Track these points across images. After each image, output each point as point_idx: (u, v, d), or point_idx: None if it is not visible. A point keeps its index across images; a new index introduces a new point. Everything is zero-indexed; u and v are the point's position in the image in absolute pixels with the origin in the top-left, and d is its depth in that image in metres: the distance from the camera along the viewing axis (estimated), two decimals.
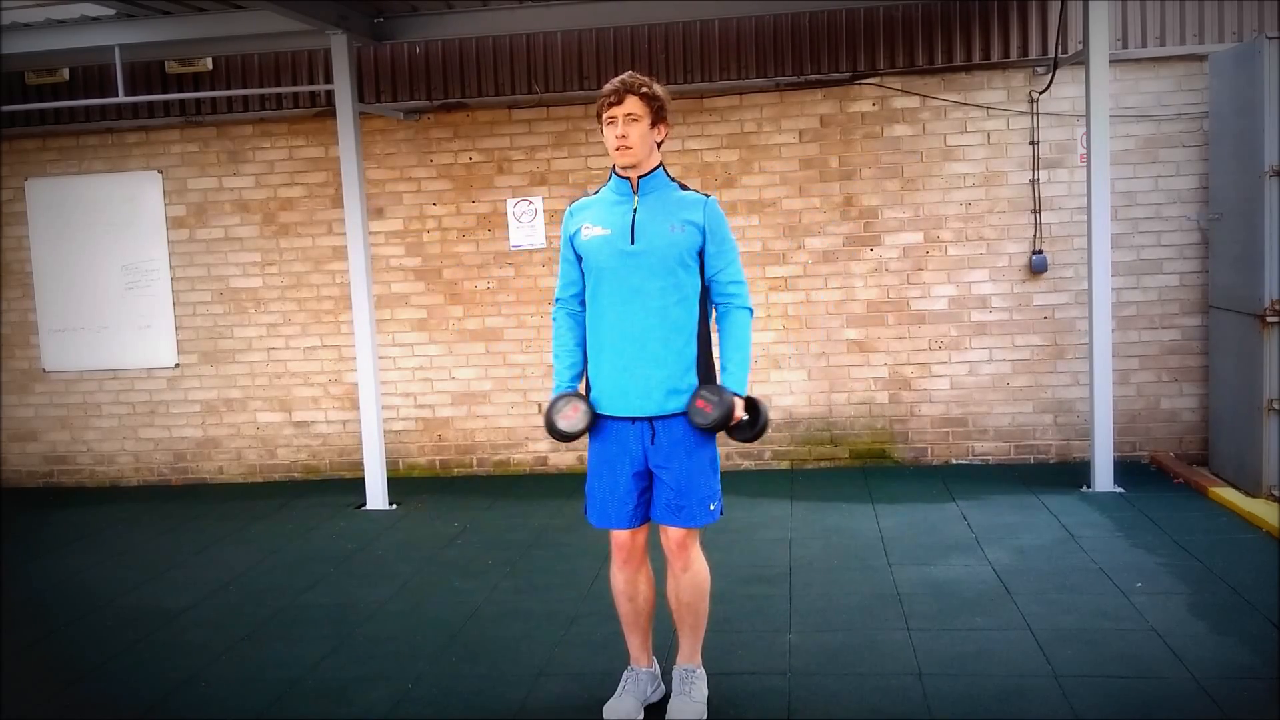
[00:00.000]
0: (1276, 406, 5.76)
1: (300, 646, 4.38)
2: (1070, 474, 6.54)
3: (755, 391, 7.09)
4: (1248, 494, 5.85)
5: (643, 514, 3.44)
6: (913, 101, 6.90)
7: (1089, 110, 5.99)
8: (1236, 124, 6.00)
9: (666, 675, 3.67)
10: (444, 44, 7.10)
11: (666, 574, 3.51)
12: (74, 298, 7.71)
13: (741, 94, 7.03)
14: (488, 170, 7.29)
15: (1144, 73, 6.70)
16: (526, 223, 7.25)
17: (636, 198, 3.38)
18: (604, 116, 3.33)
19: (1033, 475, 6.62)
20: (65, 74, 7.41)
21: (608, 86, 3.33)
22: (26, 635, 4.67)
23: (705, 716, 3.51)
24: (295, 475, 7.67)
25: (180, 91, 7.35)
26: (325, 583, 5.23)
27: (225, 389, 7.66)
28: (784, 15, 6.82)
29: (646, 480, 3.42)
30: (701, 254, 3.38)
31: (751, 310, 3.47)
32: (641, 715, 3.53)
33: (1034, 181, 6.82)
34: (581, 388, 3.52)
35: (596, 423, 3.42)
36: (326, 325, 7.52)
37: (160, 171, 7.57)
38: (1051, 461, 6.95)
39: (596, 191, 3.51)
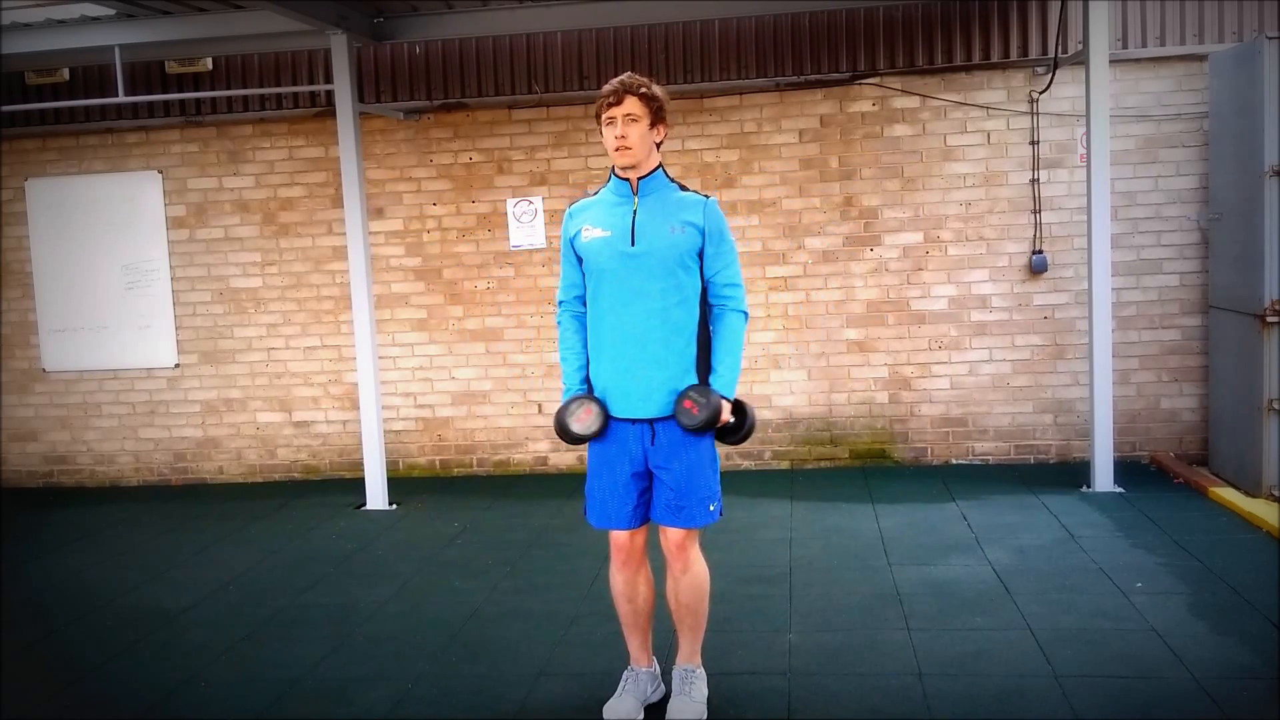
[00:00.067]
0: (1276, 406, 5.76)
1: (300, 646, 4.38)
2: (1070, 474, 6.54)
3: (756, 392, 7.11)
4: (1248, 494, 5.85)
5: (642, 515, 3.44)
6: (913, 101, 6.90)
7: (1089, 110, 5.99)
8: (1236, 124, 6.00)
9: (666, 675, 3.67)
10: (444, 44, 7.10)
11: (666, 575, 3.51)
12: (74, 298, 7.71)
13: (741, 94, 7.03)
14: (488, 170, 7.29)
15: (1144, 73, 6.70)
16: (526, 223, 7.25)
17: (636, 199, 3.38)
18: (603, 117, 3.33)
19: (1033, 475, 6.62)
20: (65, 74, 7.41)
21: (606, 87, 3.33)
22: (26, 635, 4.67)
23: (705, 716, 3.51)
24: (295, 475, 7.67)
25: (180, 91, 7.35)
26: (325, 583, 5.23)
27: (225, 389, 7.66)
28: (784, 15, 6.82)
29: (646, 481, 3.42)
30: (701, 255, 3.38)
31: (746, 314, 3.47)
32: (641, 715, 3.53)
33: (1034, 181, 6.82)
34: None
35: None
36: (326, 325, 7.53)
37: (160, 171, 7.57)
38: (1051, 461, 6.95)
39: (596, 193, 3.51)
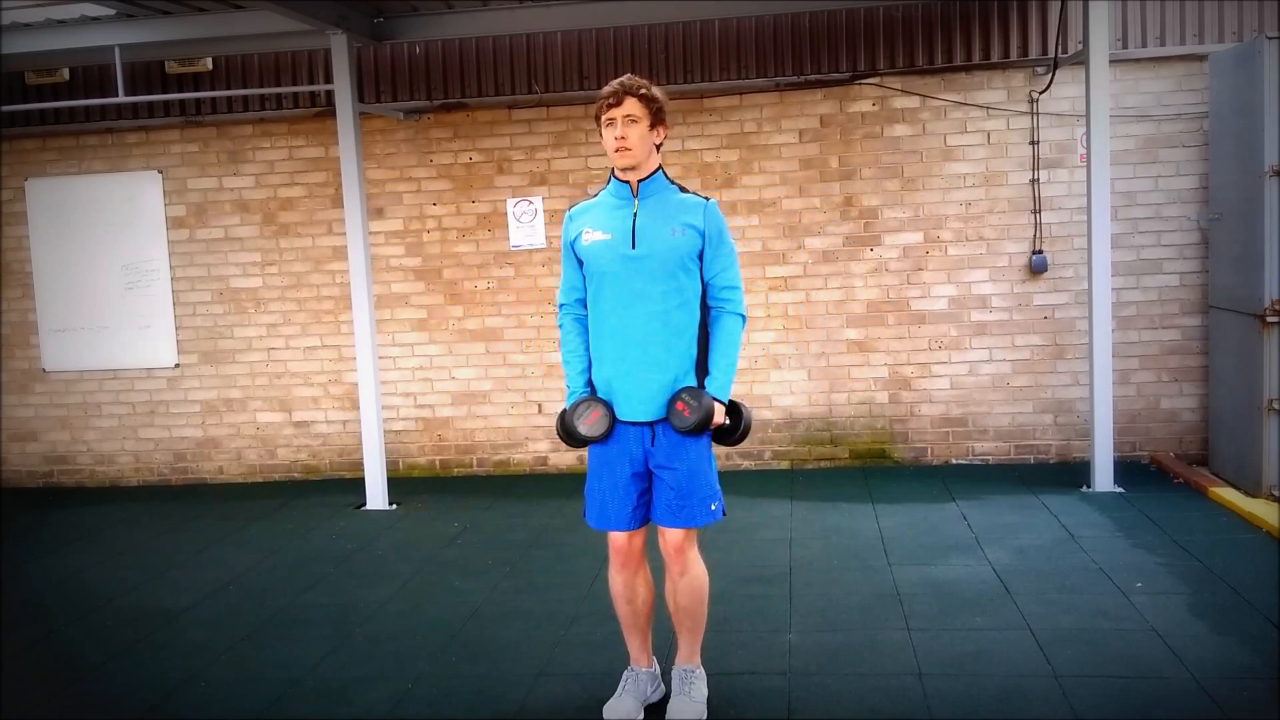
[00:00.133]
0: (1276, 406, 5.76)
1: (300, 646, 4.38)
2: (1070, 474, 6.54)
3: (756, 392, 7.11)
4: (1248, 494, 5.85)
5: (641, 516, 3.44)
6: (913, 101, 6.90)
7: (1089, 110, 5.99)
8: (1236, 124, 6.00)
9: (666, 675, 3.67)
10: (444, 44, 7.10)
11: (665, 576, 3.51)
12: (74, 298, 7.71)
13: (741, 94, 7.03)
14: (488, 170, 7.29)
15: (1144, 73, 6.70)
16: (526, 223, 7.25)
17: (636, 202, 3.37)
18: (603, 119, 3.33)
19: (1033, 475, 6.62)
20: (65, 74, 7.41)
21: (606, 89, 3.33)
22: (26, 635, 4.67)
23: (705, 716, 3.51)
24: (295, 475, 7.67)
25: (180, 91, 7.35)
26: (325, 583, 5.23)
27: (225, 389, 7.66)
28: (784, 15, 6.82)
29: (646, 482, 3.42)
30: (702, 257, 3.38)
31: (744, 317, 3.47)
32: (641, 715, 3.53)
33: (1034, 181, 6.82)
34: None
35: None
36: (326, 325, 7.52)
37: (160, 171, 7.57)
38: (1051, 461, 6.95)
39: (595, 194, 3.51)
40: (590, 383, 3.49)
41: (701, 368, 3.41)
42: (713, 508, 3.42)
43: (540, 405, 7.36)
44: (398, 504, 6.70)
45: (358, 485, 6.84)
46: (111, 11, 6.31)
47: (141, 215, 7.60)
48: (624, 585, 3.52)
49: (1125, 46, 6.61)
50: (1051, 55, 6.57)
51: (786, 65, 6.89)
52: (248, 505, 6.93)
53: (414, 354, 7.47)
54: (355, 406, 7.39)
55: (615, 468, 3.40)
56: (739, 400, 3.46)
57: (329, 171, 7.34)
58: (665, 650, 3.80)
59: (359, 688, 3.95)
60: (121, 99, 6.69)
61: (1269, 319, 5.73)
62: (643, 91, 3.30)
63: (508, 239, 7.29)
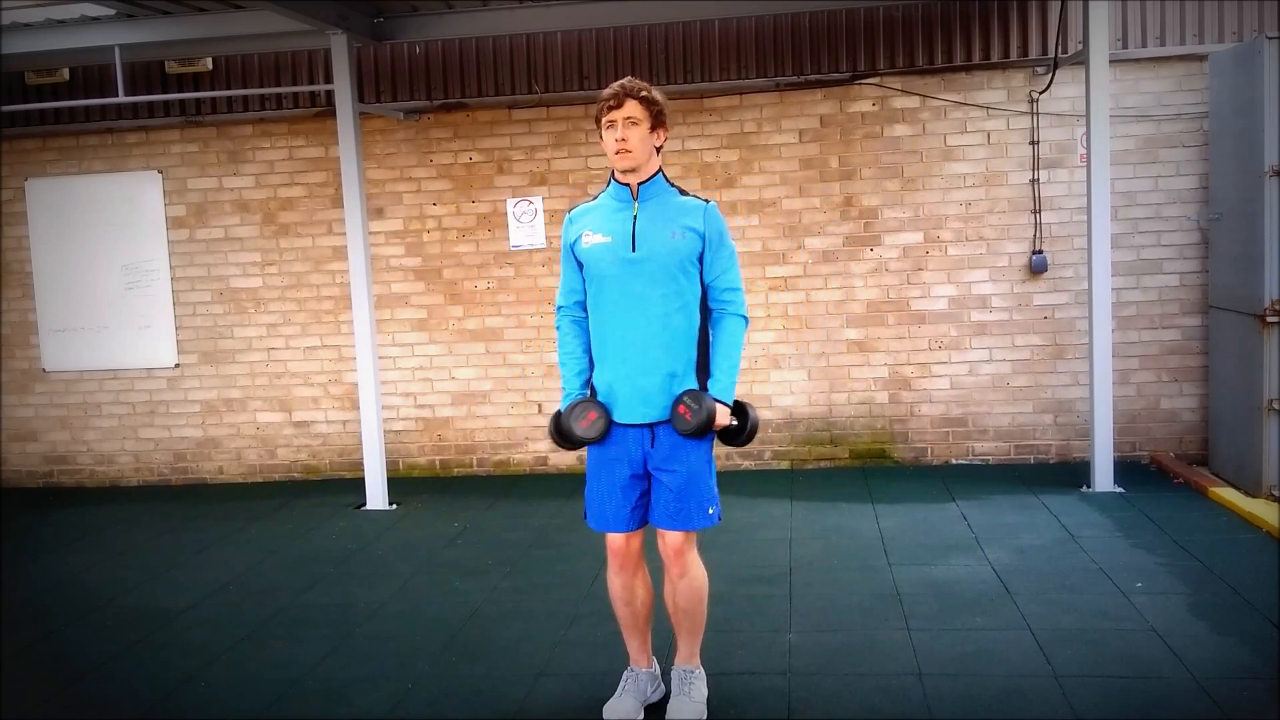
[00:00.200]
0: (1276, 406, 5.76)
1: (300, 646, 4.38)
2: (1070, 474, 6.54)
3: (756, 392, 7.11)
4: (1248, 494, 5.85)
5: (640, 517, 3.44)
6: (913, 101, 6.90)
7: (1089, 110, 5.99)
8: (1236, 124, 6.00)
9: (666, 676, 3.67)
10: (444, 44, 7.10)
11: (664, 578, 3.51)
12: (74, 298, 7.71)
13: (741, 94, 7.03)
14: (488, 170, 7.29)
15: (1144, 73, 6.70)
16: (526, 223, 7.25)
17: (636, 204, 3.37)
18: (603, 121, 3.33)
19: (1033, 475, 6.62)
20: (65, 74, 7.41)
21: (607, 91, 3.33)
22: (26, 635, 4.67)
23: (705, 716, 3.51)
24: (295, 475, 7.67)
25: (180, 91, 7.35)
26: (325, 583, 5.23)
27: (225, 389, 7.66)
28: (784, 15, 6.82)
29: (645, 484, 3.42)
30: (702, 260, 3.38)
31: (746, 319, 3.46)
32: (641, 715, 3.53)
33: (1034, 181, 6.82)
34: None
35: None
36: (326, 325, 7.52)
37: (160, 171, 7.57)
38: (1051, 461, 6.95)
39: (595, 197, 3.51)
40: (590, 385, 3.48)
41: (702, 370, 3.41)
42: (710, 511, 3.42)
43: (540, 405, 7.36)
44: (398, 504, 6.70)
45: (358, 485, 6.84)
46: (111, 11, 6.31)
47: (141, 215, 7.60)
48: (622, 587, 3.52)
49: (1125, 46, 6.61)
50: (1051, 55, 6.57)
51: (786, 65, 6.89)
52: (248, 505, 6.93)
53: (414, 354, 7.47)
54: (355, 406, 7.39)
55: (614, 469, 3.41)
56: (745, 401, 3.45)
57: (329, 171, 7.34)
58: (665, 650, 3.80)
59: (359, 688, 3.95)
60: (121, 99, 6.69)
61: (1269, 319, 5.73)
62: (643, 94, 3.31)
63: (508, 239, 7.29)
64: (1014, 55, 6.72)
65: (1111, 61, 6.26)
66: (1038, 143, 6.80)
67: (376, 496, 6.65)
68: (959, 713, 3.51)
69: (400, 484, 7.13)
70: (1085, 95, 6.06)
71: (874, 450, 7.13)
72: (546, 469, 7.43)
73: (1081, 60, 6.12)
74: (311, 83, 7.24)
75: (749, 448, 7.10)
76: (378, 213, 7.35)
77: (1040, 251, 6.83)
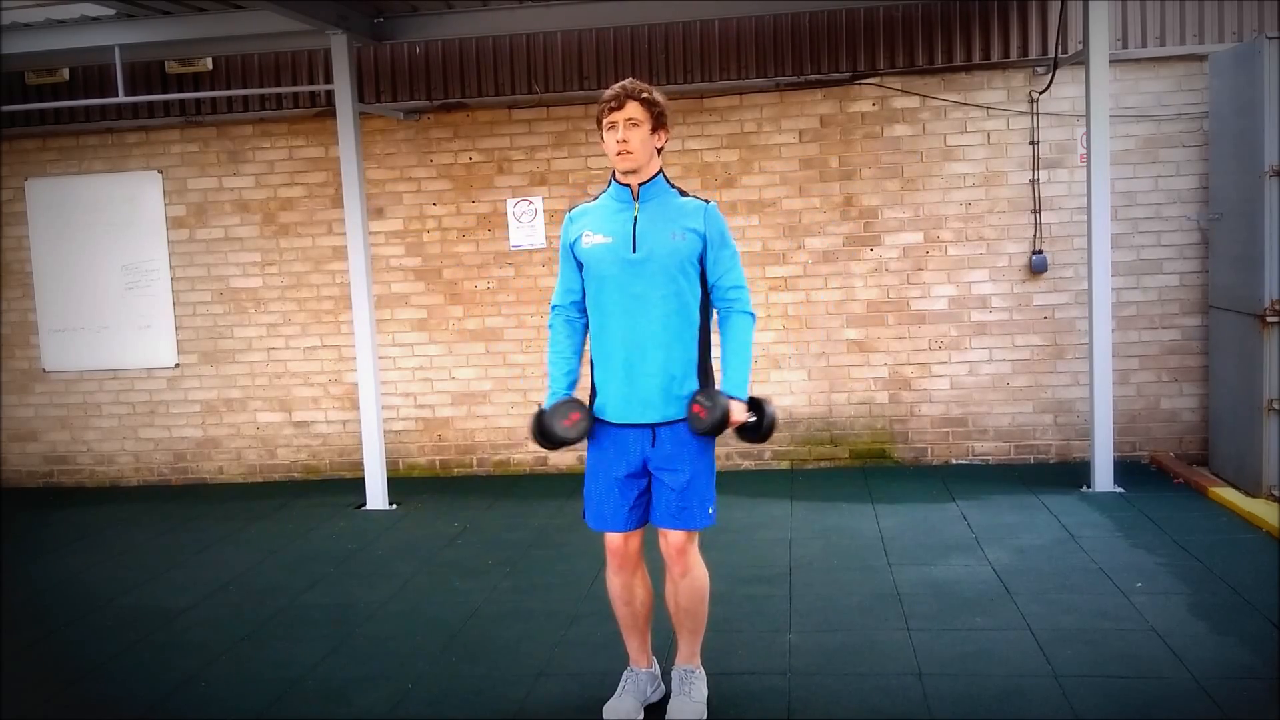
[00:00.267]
0: (1276, 406, 5.76)
1: (300, 646, 4.38)
2: (1070, 474, 6.54)
3: (756, 392, 7.09)
4: (1248, 494, 5.85)
5: (639, 517, 3.44)
6: (913, 101, 6.90)
7: (1089, 110, 5.99)
8: (1236, 124, 6.00)
9: (666, 676, 3.67)
10: (444, 44, 7.10)
11: (665, 577, 3.51)
12: (74, 298, 7.71)
13: (741, 94, 7.03)
14: (488, 170, 7.29)
15: (1144, 73, 6.70)
16: (526, 223, 7.25)
17: (637, 205, 3.38)
18: (604, 122, 3.33)
19: (1033, 475, 6.62)
20: (65, 74, 7.41)
21: (608, 92, 3.33)
22: (26, 635, 4.67)
23: (705, 716, 3.51)
24: (295, 475, 7.67)
25: (180, 91, 7.35)
26: (325, 583, 5.23)
27: (225, 389, 7.66)
28: (784, 15, 6.82)
29: (644, 484, 3.42)
30: (702, 260, 3.38)
31: (753, 315, 3.46)
32: (641, 715, 3.53)
33: (1034, 181, 6.82)
34: (577, 394, 3.52)
35: (594, 430, 3.44)
36: (326, 325, 7.52)
37: (160, 171, 7.57)
38: (1051, 461, 6.95)
39: (596, 197, 3.51)
40: (590, 384, 3.49)
41: (703, 370, 3.41)
42: (710, 511, 3.43)
43: (540, 405, 7.34)
44: (398, 504, 6.70)
45: (358, 485, 6.84)
46: (111, 11, 6.31)
47: (141, 215, 7.60)
48: (622, 586, 3.52)
49: (1125, 46, 6.61)
50: (1051, 55, 6.57)
51: (786, 65, 6.89)
52: (248, 505, 6.93)
53: (414, 354, 7.47)
54: (355, 406, 7.39)
55: (612, 469, 3.41)
56: (761, 397, 3.42)
57: (329, 171, 7.34)
58: (665, 650, 3.80)
59: (359, 688, 3.95)
60: (121, 99, 6.69)
61: (1269, 319, 5.73)
62: (645, 95, 3.31)
63: (508, 239, 7.29)
64: (1014, 55, 6.72)
65: (1111, 61, 6.26)
66: (1038, 143, 6.80)
67: (376, 496, 6.65)
68: (959, 713, 3.51)
69: (400, 484, 7.13)
70: (1085, 95, 6.06)
71: (874, 450, 7.13)
72: (546, 469, 7.43)
73: (1081, 60, 6.12)
74: (311, 83, 7.24)
75: (749, 447, 7.14)
76: (378, 213, 7.35)
77: (1040, 251, 6.83)
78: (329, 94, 6.90)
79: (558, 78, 7.07)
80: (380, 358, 7.14)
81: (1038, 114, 6.79)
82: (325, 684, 4.00)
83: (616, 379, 3.38)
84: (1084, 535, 5.34)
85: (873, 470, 6.99)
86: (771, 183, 7.05)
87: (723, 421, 3.28)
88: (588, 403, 3.50)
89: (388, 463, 6.97)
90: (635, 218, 3.36)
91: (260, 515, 6.66)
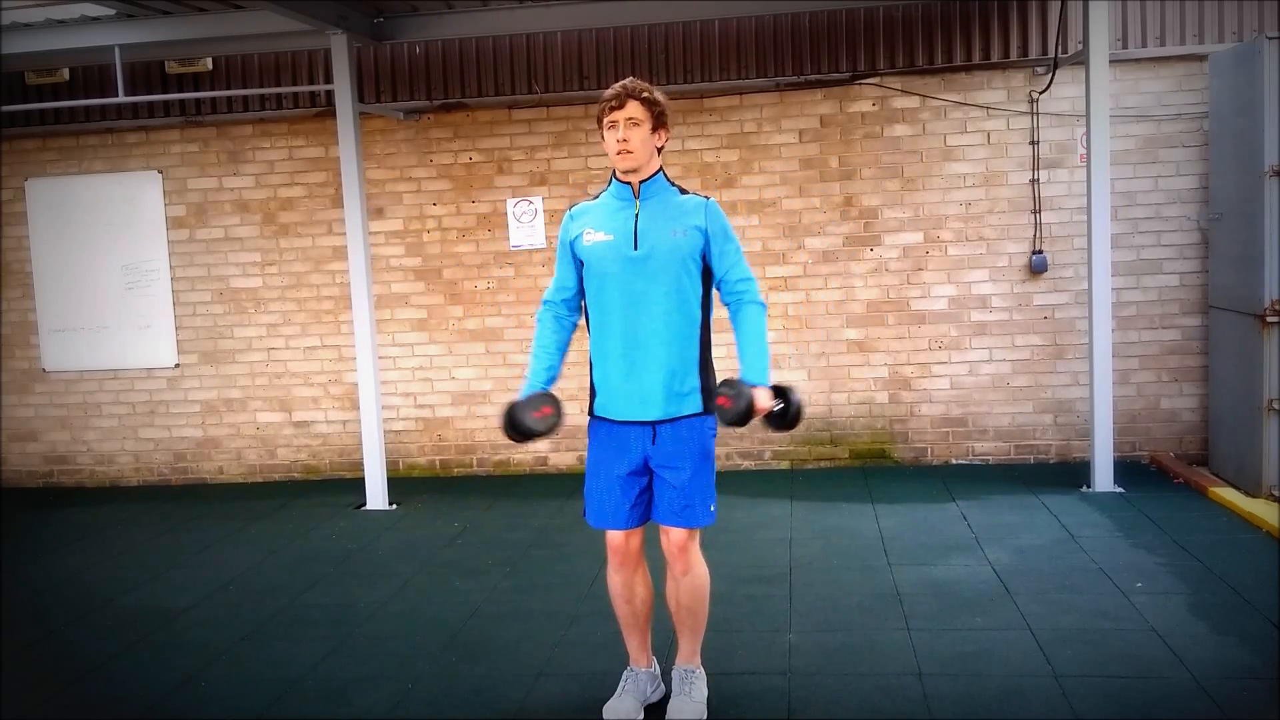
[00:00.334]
0: (1276, 406, 5.76)
1: (300, 646, 4.38)
2: (1070, 474, 6.54)
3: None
4: (1248, 494, 5.85)
5: (639, 515, 3.44)
6: (913, 101, 6.90)
7: (1089, 110, 5.99)
8: (1236, 124, 6.00)
9: (666, 675, 3.67)
10: (444, 44, 7.10)
11: (666, 575, 3.51)
12: (74, 298, 7.71)
13: (741, 94, 7.03)
14: (488, 170, 7.29)
15: (1144, 73, 6.70)
16: (526, 223, 7.25)
17: (638, 202, 3.38)
18: (605, 121, 3.33)
19: (1033, 475, 6.62)
20: (65, 74, 7.41)
21: (609, 91, 3.34)
22: (26, 635, 4.67)
23: (705, 716, 3.51)
24: (295, 475, 7.67)
25: (180, 91, 7.35)
26: (325, 583, 5.23)
27: (225, 389, 7.66)
28: (784, 15, 6.82)
29: (645, 481, 3.42)
30: (705, 258, 3.39)
31: (764, 305, 3.45)
32: (641, 715, 3.53)
33: (1034, 181, 6.82)
34: (554, 391, 3.50)
35: (594, 428, 3.43)
36: (326, 325, 7.52)
37: (160, 171, 7.57)
38: (1051, 461, 6.95)
39: (597, 196, 3.51)
40: (592, 385, 3.48)
41: (704, 367, 3.41)
42: (711, 509, 3.43)
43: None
44: (398, 504, 6.70)
45: (358, 485, 6.84)
46: (111, 11, 6.31)
47: (141, 215, 7.60)
48: (622, 585, 3.52)
49: (1125, 46, 6.61)
50: (1051, 55, 6.57)
51: (786, 65, 6.89)
52: (248, 505, 6.93)
53: (414, 354, 7.47)
54: (355, 406, 7.39)
55: (613, 467, 3.41)
56: (785, 384, 3.39)
57: (329, 171, 7.34)
58: (665, 650, 3.80)
59: (359, 688, 3.95)
60: (121, 99, 6.69)
61: (1269, 319, 5.73)
62: (645, 95, 3.31)
63: (508, 239, 7.29)
64: (1014, 55, 6.72)
65: (1111, 61, 6.26)
66: (1038, 143, 6.80)
67: (376, 496, 6.65)
68: (959, 713, 3.51)
69: (400, 484, 7.13)
70: (1085, 95, 6.06)
71: (874, 450, 7.13)
72: (546, 469, 7.43)
73: (1081, 60, 6.12)
74: (311, 83, 7.24)
75: (750, 447, 7.15)
76: (378, 213, 7.35)
77: (1040, 251, 6.83)
78: (329, 94, 6.90)
79: (558, 78, 7.07)
80: (380, 358, 7.14)
81: (1038, 114, 6.79)
82: (325, 684, 4.00)
83: (617, 376, 3.38)
84: (1084, 535, 5.34)
85: (873, 470, 6.99)
86: (771, 183, 7.05)
87: (749, 411, 3.25)
88: (588, 402, 3.50)
89: (388, 463, 6.97)
90: (636, 215, 3.36)
91: (260, 515, 6.66)
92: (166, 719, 3.80)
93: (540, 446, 7.37)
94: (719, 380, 3.37)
